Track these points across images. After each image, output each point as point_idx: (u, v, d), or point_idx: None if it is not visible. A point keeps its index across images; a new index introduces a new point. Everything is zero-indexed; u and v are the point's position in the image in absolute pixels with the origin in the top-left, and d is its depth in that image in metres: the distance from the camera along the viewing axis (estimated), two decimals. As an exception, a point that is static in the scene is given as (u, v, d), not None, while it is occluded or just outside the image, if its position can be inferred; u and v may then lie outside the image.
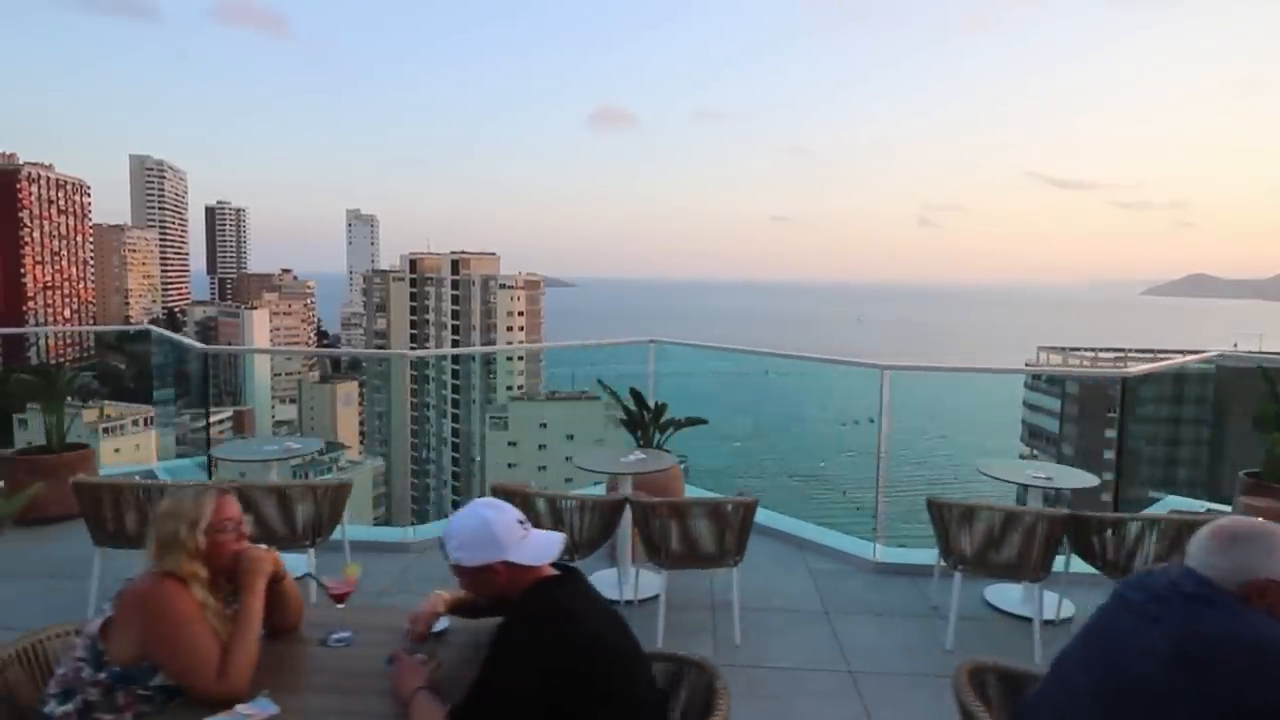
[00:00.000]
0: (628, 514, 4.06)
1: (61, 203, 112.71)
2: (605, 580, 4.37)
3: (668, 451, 5.40)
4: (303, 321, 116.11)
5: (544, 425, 14.18)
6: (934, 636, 3.96)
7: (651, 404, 5.51)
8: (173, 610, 1.87)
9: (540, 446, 13.63)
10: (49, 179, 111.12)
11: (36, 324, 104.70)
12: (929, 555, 4.63)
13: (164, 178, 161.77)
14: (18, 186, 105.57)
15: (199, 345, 7.00)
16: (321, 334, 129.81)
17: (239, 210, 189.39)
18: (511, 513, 1.91)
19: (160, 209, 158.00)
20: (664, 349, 6.98)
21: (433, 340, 75.50)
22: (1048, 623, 3.93)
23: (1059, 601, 4.13)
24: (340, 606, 2.31)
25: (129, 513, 3.94)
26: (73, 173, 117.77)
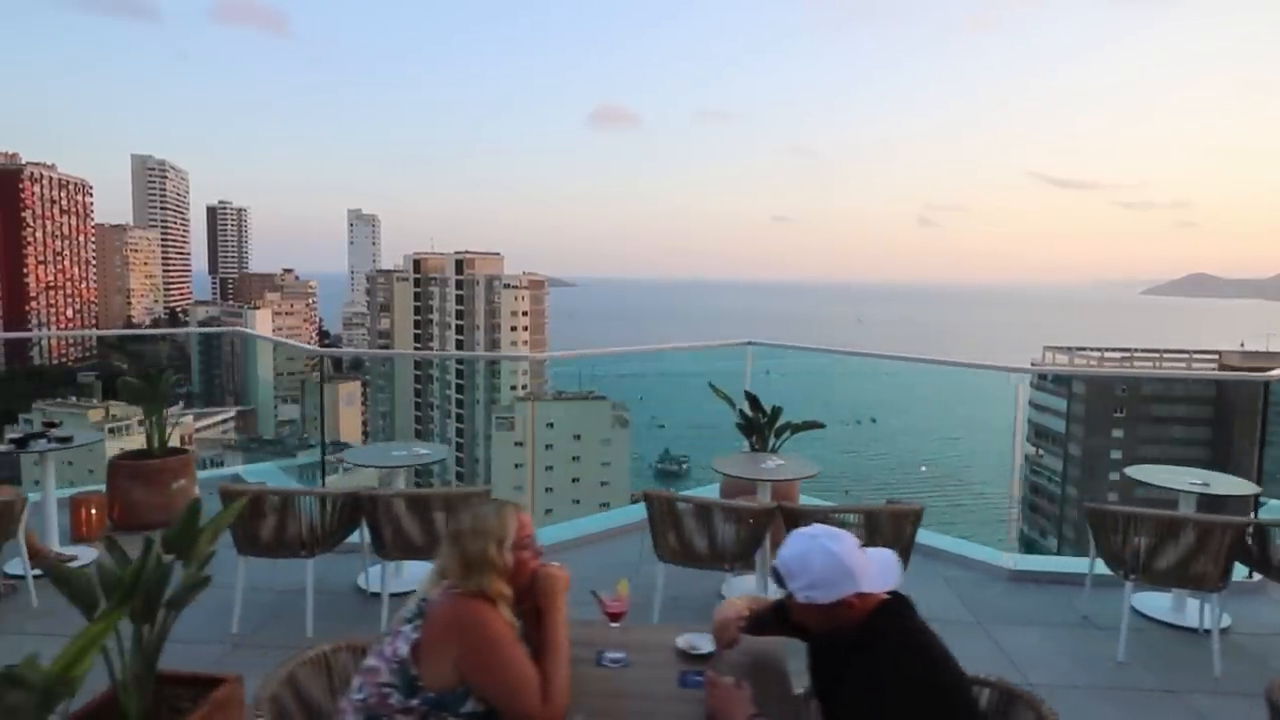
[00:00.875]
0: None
1: (64, 202, 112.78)
2: (745, 588, 4.30)
3: (769, 453, 5.32)
4: (305, 321, 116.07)
5: (550, 425, 14.23)
6: (1098, 647, 3.86)
7: (768, 408, 5.41)
8: (492, 632, 1.79)
9: (547, 446, 13.67)
10: (51, 179, 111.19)
11: (39, 324, 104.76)
12: (1065, 562, 4.66)
13: (165, 178, 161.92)
14: (20, 186, 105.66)
15: (313, 349, 6.94)
16: (323, 334, 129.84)
17: (240, 210, 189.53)
18: (850, 539, 1.82)
19: (162, 209, 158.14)
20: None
21: (436, 341, 75.42)
22: (1208, 632, 3.82)
23: (1219, 612, 3.94)
24: (615, 626, 2.24)
25: (266, 520, 3.94)
26: (75, 173, 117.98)
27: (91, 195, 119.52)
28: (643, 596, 4.24)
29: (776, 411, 5.31)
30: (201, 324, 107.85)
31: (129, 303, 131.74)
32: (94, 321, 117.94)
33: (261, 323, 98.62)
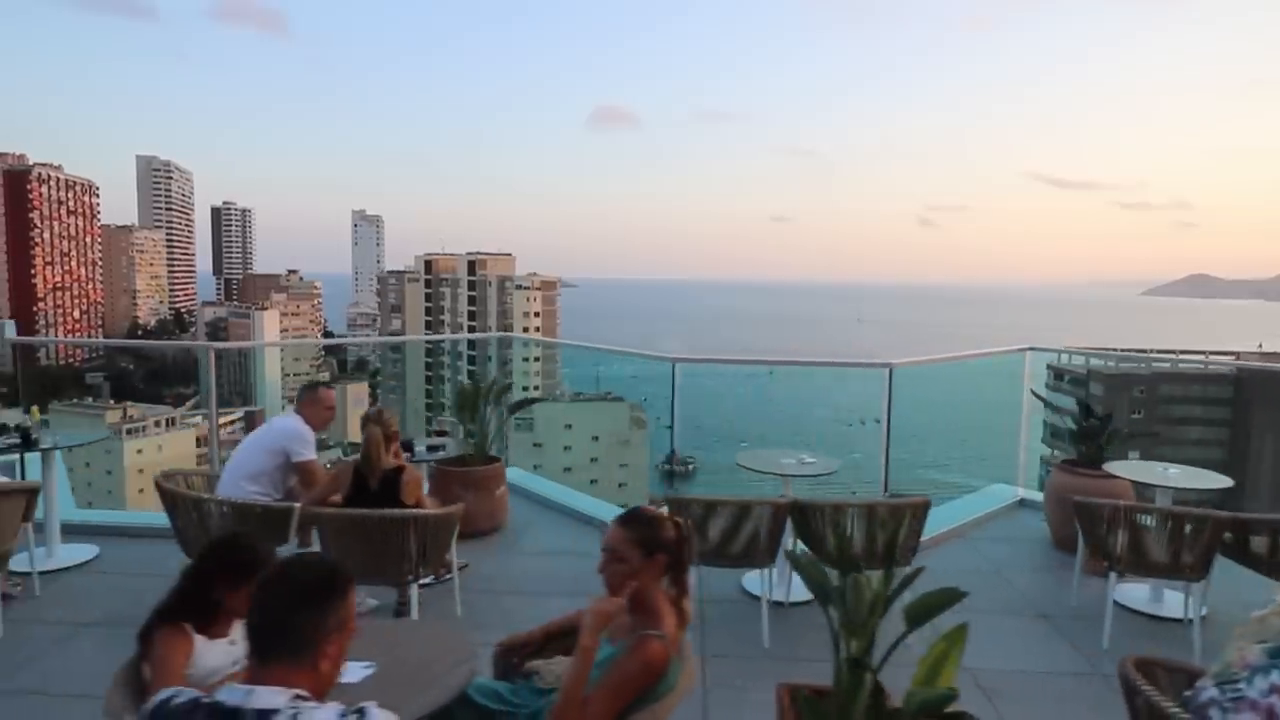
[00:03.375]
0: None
1: (71, 203, 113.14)
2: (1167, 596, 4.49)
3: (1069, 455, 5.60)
4: (310, 323, 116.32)
5: (569, 426, 14.37)
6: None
7: (1101, 414, 5.58)
8: None
9: (565, 448, 13.82)
10: (58, 179, 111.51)
11: (46, 325, 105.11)
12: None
13: (170, 178, 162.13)
14: (28, 187, 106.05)
15: (586, 345, 6.63)
16: (328, 335, 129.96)
17: (245, 211, 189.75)
18: None
19: (167, 209, 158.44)
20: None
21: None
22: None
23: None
24: None
25: (714, 529, 3.90)
26: (81, 173, 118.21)
27: (98, 196, 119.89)
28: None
29: (1108, 419, 5.50)
30: (209, 325, 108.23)
31: (135, 304, 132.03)
32: (100, 323, 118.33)
33: (269, 324, 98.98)
